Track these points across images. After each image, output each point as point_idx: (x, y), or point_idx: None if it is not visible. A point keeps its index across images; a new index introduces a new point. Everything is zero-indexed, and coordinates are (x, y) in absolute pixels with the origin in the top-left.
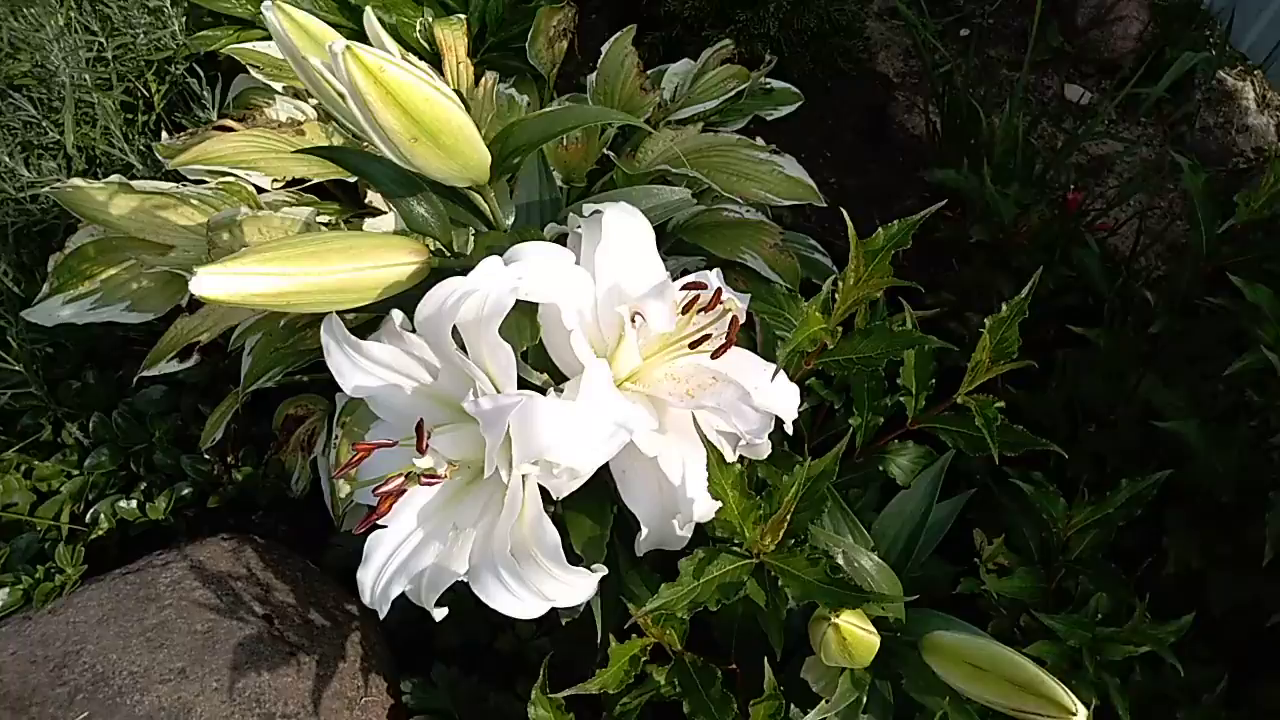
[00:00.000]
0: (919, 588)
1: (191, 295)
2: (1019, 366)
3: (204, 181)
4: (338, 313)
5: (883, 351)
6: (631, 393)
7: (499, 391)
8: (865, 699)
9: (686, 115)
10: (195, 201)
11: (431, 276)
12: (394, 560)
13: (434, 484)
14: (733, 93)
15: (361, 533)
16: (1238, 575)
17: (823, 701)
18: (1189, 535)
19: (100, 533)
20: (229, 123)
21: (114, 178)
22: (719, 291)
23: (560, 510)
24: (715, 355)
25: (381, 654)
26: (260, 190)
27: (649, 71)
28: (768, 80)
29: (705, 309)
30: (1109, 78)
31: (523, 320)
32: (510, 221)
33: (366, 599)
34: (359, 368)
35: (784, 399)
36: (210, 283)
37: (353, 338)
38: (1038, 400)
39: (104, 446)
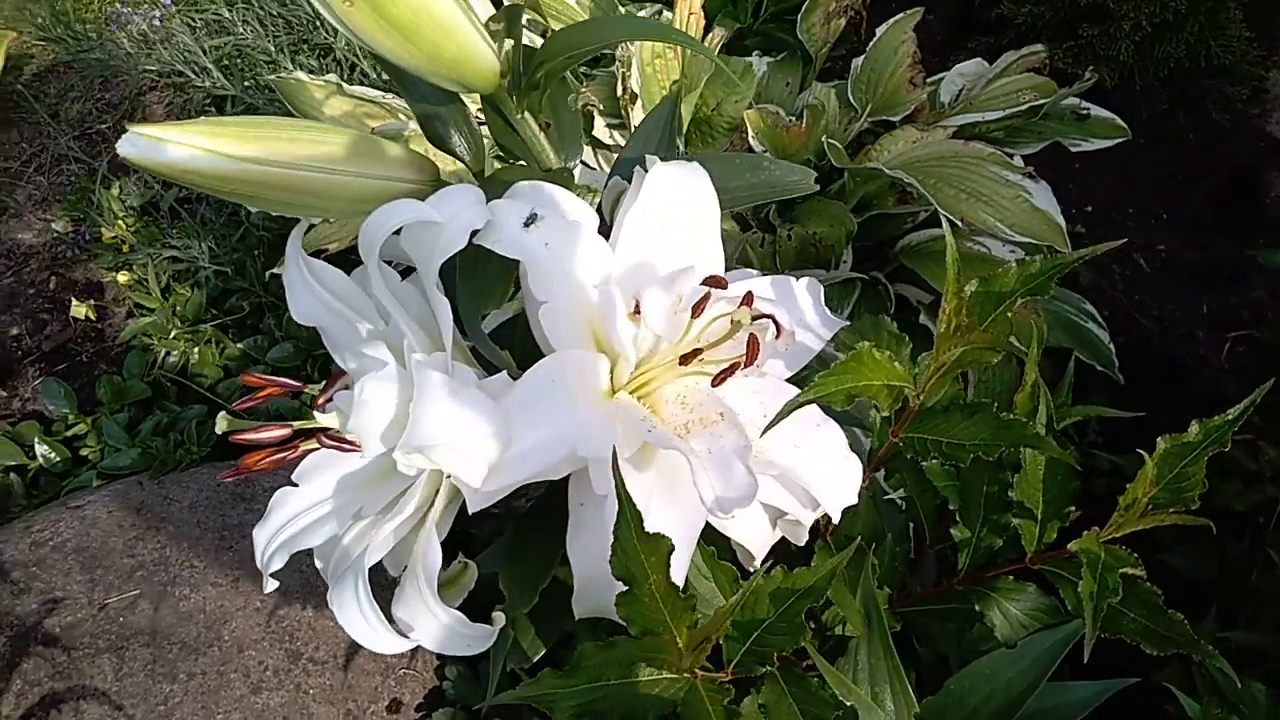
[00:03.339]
0: None
1: None
2: (1193, 523)
3: None
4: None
5: (982, 444)
6: (621, 406)
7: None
8: None
9: (962, 122)
10: (403, 115)
11: None
12: (289, 528)
13: (344, 450)
14: (1024, 106)
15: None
16: None
17: None
18: None
19: None
20: None
21: (330, 77)
22: (749, 296)
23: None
24: (715, 382)
25: None
26: None
27: (934, 76)
28: (1085, 104)
29: (732, 318)
30: None
31: (505, 274)
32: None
33: (257, 559)
34: (309, 290)
35: (827, 474)
36: (136, 145)
37: (305, 255)
38: None
39: (289, 343)
